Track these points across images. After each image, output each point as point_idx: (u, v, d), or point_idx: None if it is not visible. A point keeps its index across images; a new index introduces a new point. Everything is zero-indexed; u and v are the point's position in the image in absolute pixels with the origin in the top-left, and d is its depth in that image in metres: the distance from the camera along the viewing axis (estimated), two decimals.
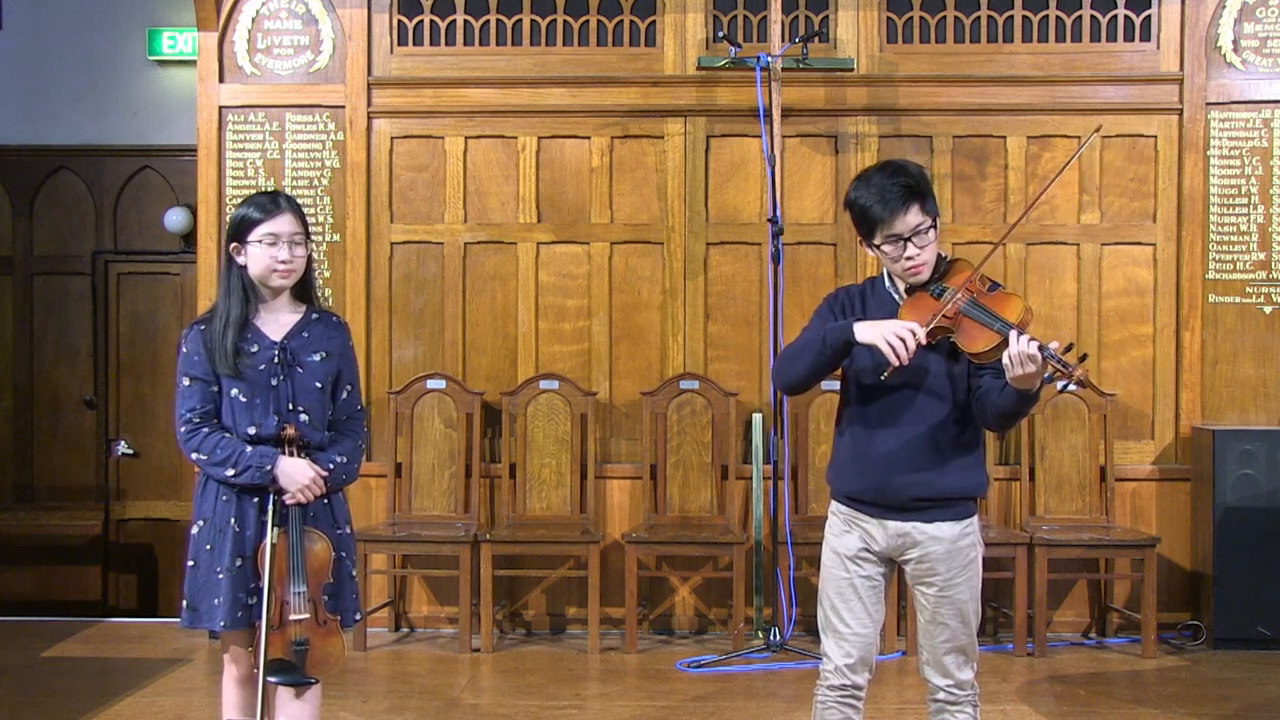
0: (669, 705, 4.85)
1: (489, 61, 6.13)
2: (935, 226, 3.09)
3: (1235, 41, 5.96)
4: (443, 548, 5.68)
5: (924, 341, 2.95)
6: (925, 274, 3.10)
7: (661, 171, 6.09)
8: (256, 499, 3.28)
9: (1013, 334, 2.86)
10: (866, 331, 2.99)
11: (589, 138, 6.10)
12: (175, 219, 7.12)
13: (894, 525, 3.13)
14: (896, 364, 2.93)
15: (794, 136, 6.02)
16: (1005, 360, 2.85)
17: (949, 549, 3.11)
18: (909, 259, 3.07)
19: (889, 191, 3.05)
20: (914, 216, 3.05)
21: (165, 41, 7.08)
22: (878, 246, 3.09)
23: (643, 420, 5.95)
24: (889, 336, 2.93)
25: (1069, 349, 2.84)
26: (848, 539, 3.18)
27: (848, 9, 6.03)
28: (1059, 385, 2.92)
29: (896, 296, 3.16)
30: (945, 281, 3.09)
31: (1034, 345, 2.82)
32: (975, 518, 3.19)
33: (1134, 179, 6.03)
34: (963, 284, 3.04)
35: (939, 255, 3.14)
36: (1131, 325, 6.01)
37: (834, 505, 3.25)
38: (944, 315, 3.00)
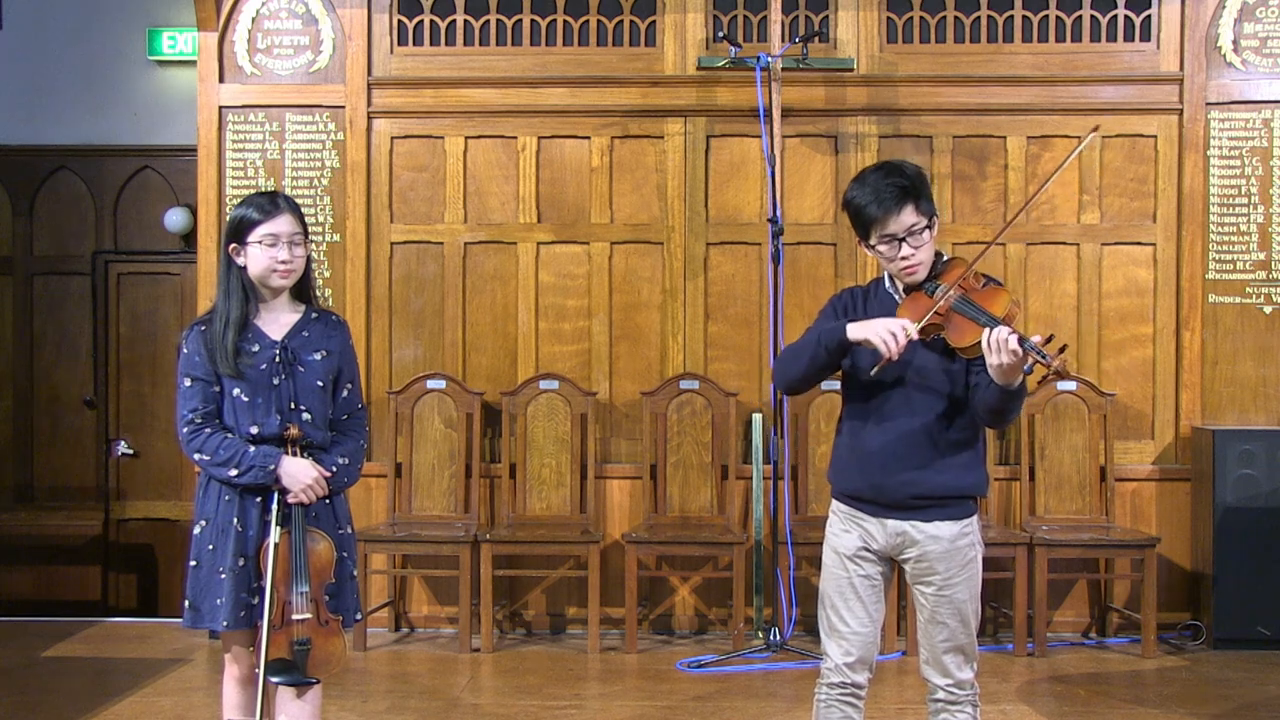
0: (669, 705, 4.85)
1: (489, 61, 6.13)
2: (931, 226, 3.10)
3: (1235, 41, 5.96)
4: (443, 548, 5.68)
5: (915, 337, 2.97)
6: (921, 273, 3.11)
7: (661, 171, 6.09)
8: (259, 499, 3.28)
9: (991, 327, 2.88)
10: (859, 330, 3.03)
11: (589, 138, 6.10)
12: (175, 219, 7.12)
13: (892, 524, 3.13)
14: (889, 356, 2.96)
15: (794, 136, 6.02)
16: (984, 350, 2.87)
17: (947, 548, 3.12)
18: (904, 259, 3.08)
19: (884, 191, 3.06)
20: (908, 216, 3.05)
21: (165, 41, 7.08)
22: (873, 246, 3.11)
23: (643, 420, 5.95)
24: (881, 332, 2.97)
25: (1049, 340, 2.86)
26: (847, 538, 3.19)
27: (848, 9, 6.03)
28: (1040, 378, 2.92)
29: (897, 297, 3.18)
30: (940, 279, 3.10)
31: (1013, 337, 2.83)
32: (975, 517, 3.19)
33: (1134, 179, 6.03)
34: (955, 281, 3.05)
35: (937, 254, 3.15)
36: (1131, 325, 6.01)
37: (834, 504, 3.26)
38: (936, 312, 3.01)
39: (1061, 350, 2.83)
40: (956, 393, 3.11)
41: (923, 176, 3.15)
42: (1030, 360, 2.84)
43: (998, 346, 2.84)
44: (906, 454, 3.09)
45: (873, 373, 3.03)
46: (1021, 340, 2.83)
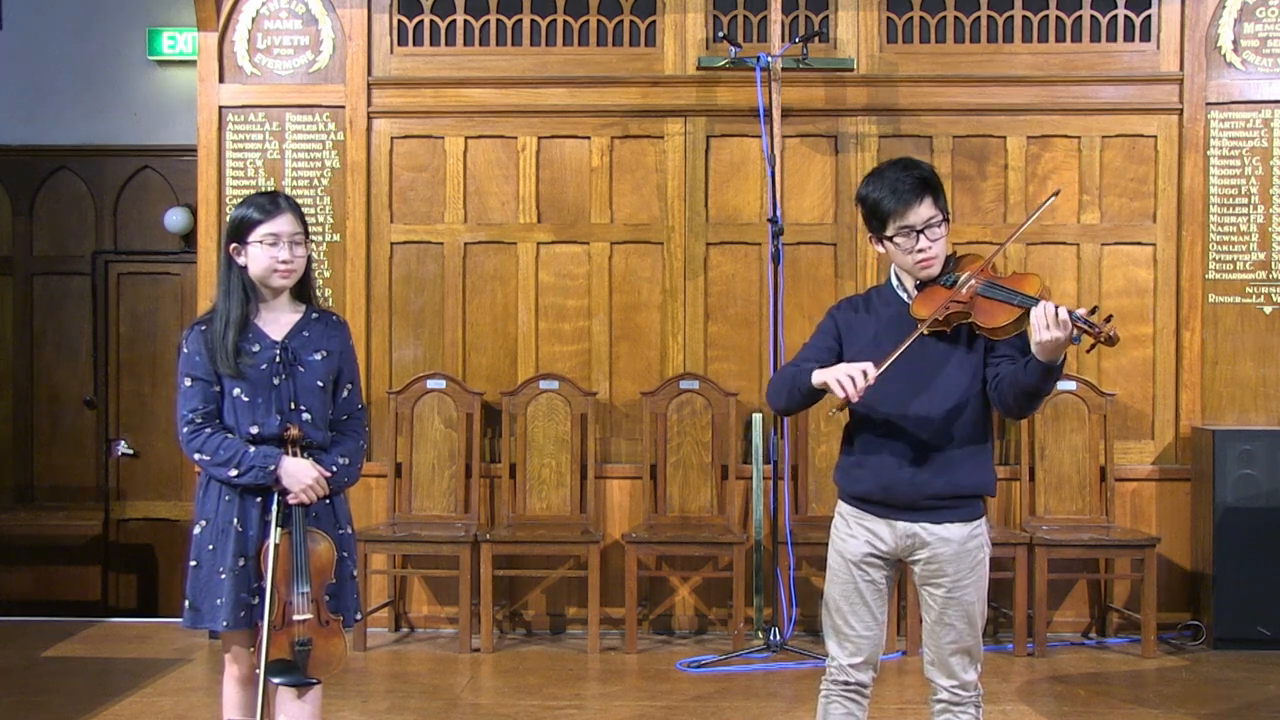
0: (669, 705, 4.85)
1: (489, 61, 6.13)
2: (946, 222, 3.11)
3: (1235, 41, 5.96)
4: (443, 548, 5.68)
5: (872, 382, 2.95)
6: (936, 268, 3.12)
7: (661, 171, 6.09)
8: (259, 499, 3.28)
9: (1029, 306, 2.89)
10: (820, 375, 3.02)
11: (589, 138, 6.10)
12: (175, 219, 7.12)
13: (902, 526, 3.13)
14: (843, 397, 2.95)
15: (794, 136, 6.02)
16: (1032, 324, 2.87)
17: (957, 550, 3.12)
18: (921, 251, 3.08)
19: (902, 183, 3.08)
20: (926, 209, 3.07)
21: (165, 41, 7.08)
22: (890, 239, 3.11)
23: (643, 420, 5.95)
24: (840, 376, 2.96)
25: (1093, 311, 2.88)
26: (854, 543, 3.17)
27: (848, 9, 6.03)
28: (1089, 348, 2.94)
29: (904, 296, 3.17)
30: (957, 272, 3.11)
31: (1062, 309, 2.84)
32: (984, 519, 3.20)
33: (1134, 179, 6.03)
34: (976, 270, 3.06)
35: (949, 255, 3.16)
36: (1131, 325, 6.00)
37: (840, 507, 3.25)
38: (957, 300, 3.02)
39: (1108, 319, 2.85)
40: (969, 390, 3.11)
41: (937, 174, 3.17)
42: (1077, 330, 2.85)
43: (1048, 318, 2.84)
44: (920, 455, 3.09)
45: (831, 414, 3.08)
46: (1069, 312, 2.85)
